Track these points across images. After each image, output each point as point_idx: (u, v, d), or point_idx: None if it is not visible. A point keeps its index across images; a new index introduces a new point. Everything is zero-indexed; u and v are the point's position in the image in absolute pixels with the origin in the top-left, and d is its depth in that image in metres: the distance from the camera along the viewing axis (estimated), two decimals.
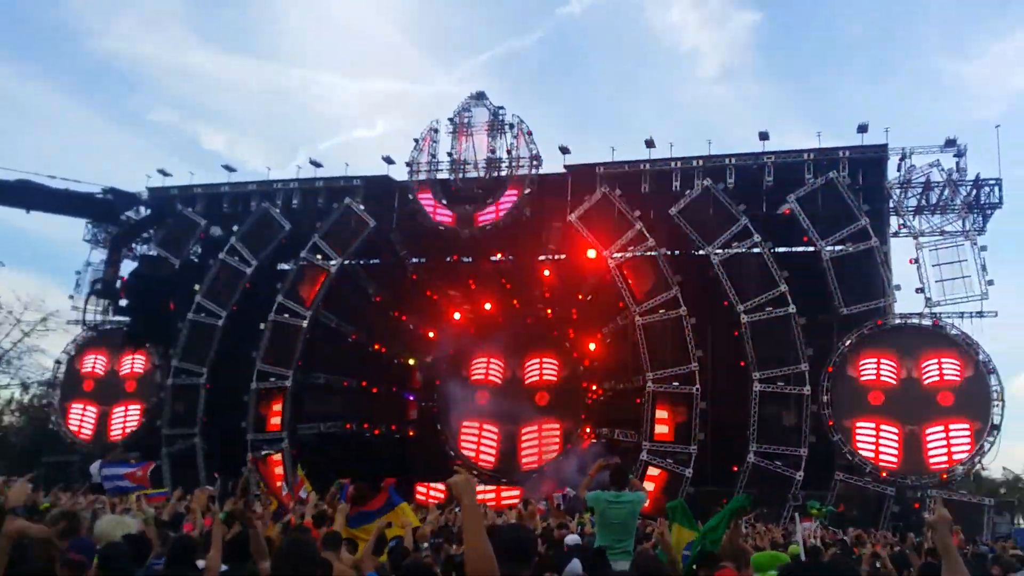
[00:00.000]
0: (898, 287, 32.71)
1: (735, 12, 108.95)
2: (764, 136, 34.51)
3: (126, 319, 37.62)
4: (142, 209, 36.84)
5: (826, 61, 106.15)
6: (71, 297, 41.54)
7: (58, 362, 40.68)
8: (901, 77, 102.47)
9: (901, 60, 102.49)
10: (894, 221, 33.92)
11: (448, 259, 38.18)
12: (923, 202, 33.59)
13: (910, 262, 32.75)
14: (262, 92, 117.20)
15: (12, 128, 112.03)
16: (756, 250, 33.08)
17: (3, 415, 51.49)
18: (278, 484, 26.97)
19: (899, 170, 33.81)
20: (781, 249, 34.28)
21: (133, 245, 39.71)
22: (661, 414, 32.74)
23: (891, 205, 33.73)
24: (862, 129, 33.69)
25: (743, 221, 33.09)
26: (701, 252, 33.89)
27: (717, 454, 32.47)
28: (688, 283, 33.77)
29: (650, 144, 35.82)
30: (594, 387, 35.35)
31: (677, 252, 35.19)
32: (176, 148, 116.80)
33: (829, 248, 32.46)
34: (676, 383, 32.77)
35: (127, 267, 35.39)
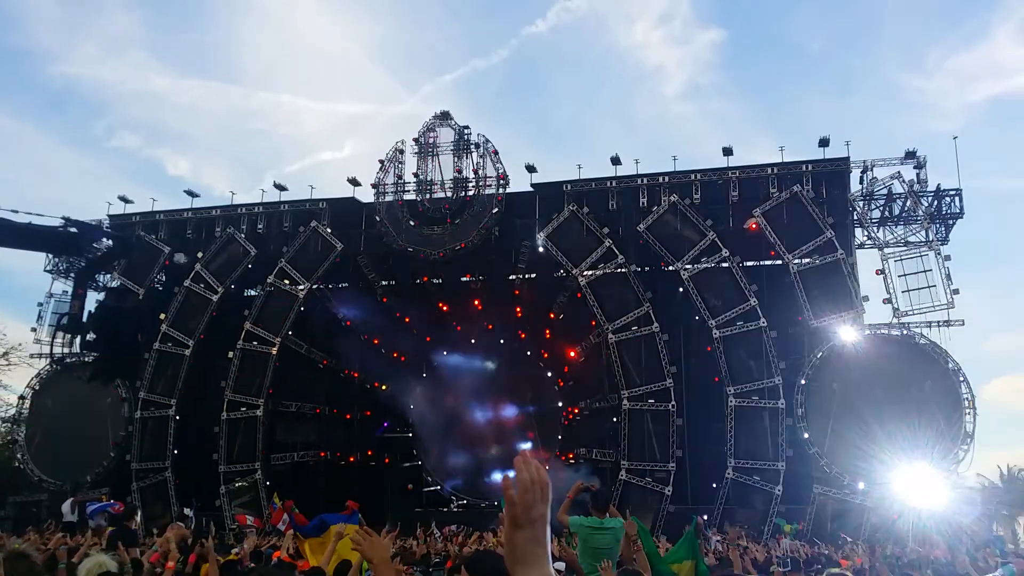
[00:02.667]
0: (866, 298, 33.19)
1: (699, 31, 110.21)
2: (728, 151, 34.88)
3: (92, 353, 36.97)
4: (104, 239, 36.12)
5: (789, 77, 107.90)
6: (33, 330, 40.58)
7: (22, 397, 39.70)
8: (862, 92, 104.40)
9: (862, 75, 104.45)
10: (859, 233, 34.43)
11: (418, 281, 37.97)
12: (886, 213, 34.14)
13: (876, 273, 33.24)
14: (227, 116, 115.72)
15: None
16: (725, 264, 33.38)
17: None
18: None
19: (861, 183, 34.34)
20: (749, 263, 34.61)
21: (97, 276, 38.89)
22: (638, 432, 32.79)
23: (855, 217, 34.21)
24: (823, 143, 34.17)
25: (711, 236, 33.38)
26: (671, 268, 34.10)
27: (696, 471, 32.64)
28: (659, 299, 33.97)
29: (616, 161, 35.96)
30: (570, 407, 35.36)
31: (647, 268, 35.36)
32: (140, 174, 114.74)
33: (796, 261, 32.86)
34: (652, 400, 32.89)
35: (91, 299, 34.63)
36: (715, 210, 34.56)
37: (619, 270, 34.33)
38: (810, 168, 34.35)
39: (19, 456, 39.40)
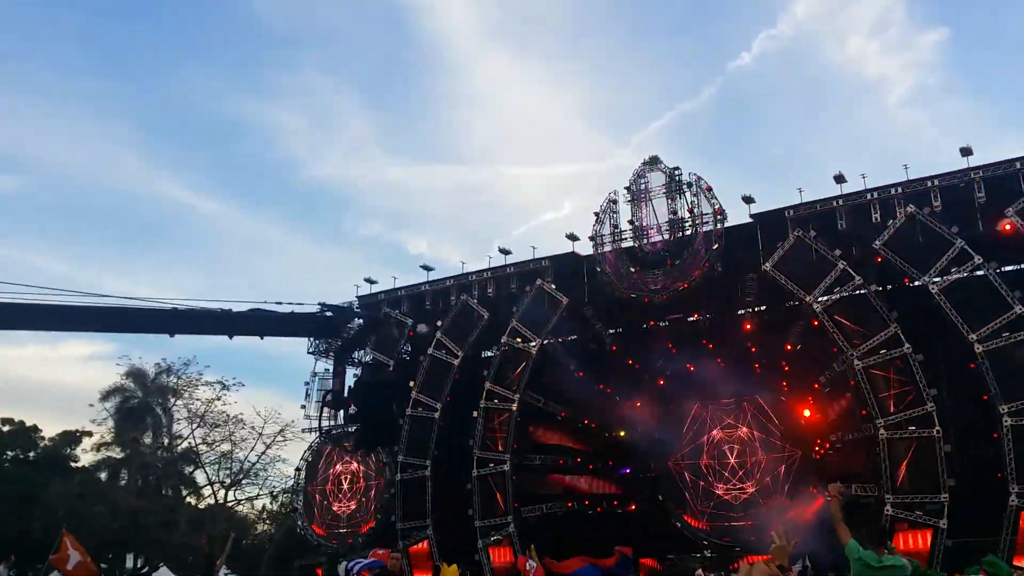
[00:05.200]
0: None
1: (918, 34, 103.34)
2: (967, 152, 32.12)
3: (354, 424, 40.38)
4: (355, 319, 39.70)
5: (1022, 66, 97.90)
6: (303, 407, 44.95)
7: (298, 469, 43.89)
8: None
9: None
10: None
11: (644, 326, 37.95)
12: None
13: None
14: (455, 194, 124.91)
15: (244, 261, 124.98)
16: (980, 272, 30.46)
17: (257, 524, 56.03)
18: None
19: None
20: (1008, 268, 31.36)
21: (353, 353, 42.63)
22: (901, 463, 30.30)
23: None
24: None
25: (959, 244, 30.66)
26: (917, 283, 31.66)
27: (973, 501, 29.53)
28: (907, 317, 31.54)
29: (840, 179, 34.28)
30: (819, 441, 33.44)
31: (889, 287, 33.07)
32: (384, 258, 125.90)
33: None
34: (912, 427, 30.36)
35: (350, 374, 38.25)
36: (960, 216, 31.79)
37: (858, 292, 32.36)
38: None
39: (299, 523, 43.41)
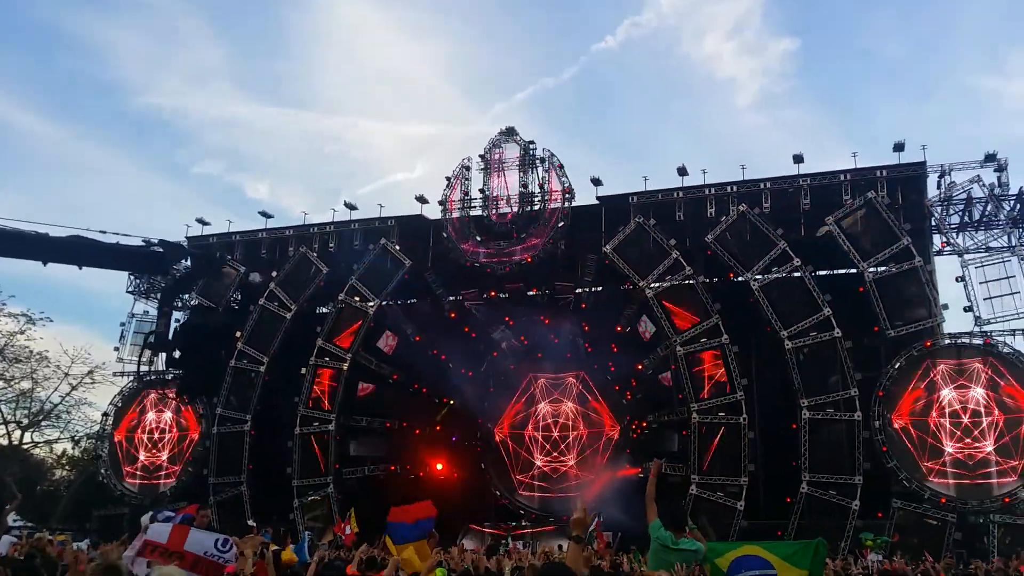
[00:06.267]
0: (945, 306, 32.04)
1: (772, 40, 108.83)
2: (799, 159, 34.21)
3: (171, 370, 38.25)
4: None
5: (863, 84, 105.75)
6: (116, 349, 42.23)
7: (106, 414, 41.25)
8: (939, 97, 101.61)
9: (938, 80, 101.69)
10: (937, 239, 33.25)
11: (485, 295, 38.13)
12: (966, 219, 32.92)
13: (956, 280, 32.03)
14: (303, 140, 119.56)
15: (63, 184, 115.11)
16: (796, 274, 32.60)
17: (55, 470, 52.28)
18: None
19: (939, 188, 33.28)
20: (822, 272, 33.74)
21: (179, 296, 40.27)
22: (708, 446, 32.13)
23: (933, 223, 33.09)
24: (898, 148, 33.22)
25: (781, 245, 32.67)
26: (740, 278, 33.49)
27: (769, 485, 31.82)
28: (728, 310, 33.33)
29: (683, 172, 35.65)
30: (637, 421, 34.90)
31: (716, 279, 34.81)
32: (221, 199, 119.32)
33: (872, 269, 31.90)
34: (722, 413, 32.24)
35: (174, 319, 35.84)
36: (786, 219, 33.87)
37: (687, 282, 33.86)
38: (885, 174, 33.45)
39: (102, 471, 40.85)
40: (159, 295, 39.54)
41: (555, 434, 36.05)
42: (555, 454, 35.87)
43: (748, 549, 8.99)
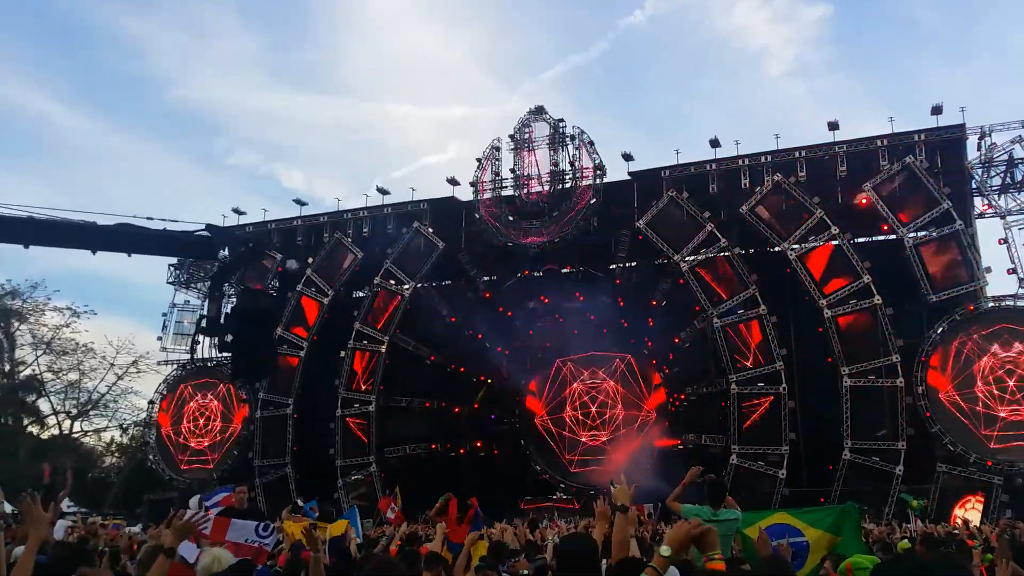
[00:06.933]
0: (988, 269, 31.47)
1: (803, 7, 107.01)
2: (834, 126, 33.74)
3: (212, 356, 39.01)
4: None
5: (899, 48, 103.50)
6: (159, 339, 43.04)
7: (151, 402, 42.10)
8: (978, 58, 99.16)
9: (977, 41, 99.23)
10: (978, 202, 32.70)
11: (519, 275, 38.22)
12: (1007, 180, 32.25)
13: (999, 242, 31.48)
14: (336, 128, 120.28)
15: (99, 178, 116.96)
16: (835, 242, 32.24)
17: (104, 457, 53.56)
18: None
19: (979, 150, 32.60)
20: (861, 239, 33.33)
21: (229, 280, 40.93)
22: (749, 416, 32.01)
23: (973, 186, 32.50)
24: (936, 111, 32.61)
25: (818, 213, 32.30)
26: (777, 248, 33.21)
27: (810, 454, 31.62)
28: (766, 281, 33.09)
29: (715, 144, 35.36)
30: (675, 393, 34.85)
31: (752, 251, 34.56)
32: (257, 188, 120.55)
33: (912, 235, 31.43)
34: (761, 384, 32.08)
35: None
36: (823, 187, 33.48)
37: (723, 254, 33.65)
38: (923, 137, 32.85)
39: (151, 457, 41.76)
40: (209, 281, 40.15)
41: (593, 410, 36.11)
42: (593, 431, 35.92)
43: (778, 517, 9.08)
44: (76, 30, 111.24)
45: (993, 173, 32.42)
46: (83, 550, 9.94)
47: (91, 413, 45.26)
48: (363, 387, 37.58)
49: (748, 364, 32.46)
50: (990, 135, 32.38)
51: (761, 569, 6.48)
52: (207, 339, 39.99)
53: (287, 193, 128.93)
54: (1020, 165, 32.02)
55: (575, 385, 36.88)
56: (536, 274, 38.15)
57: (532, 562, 9.29)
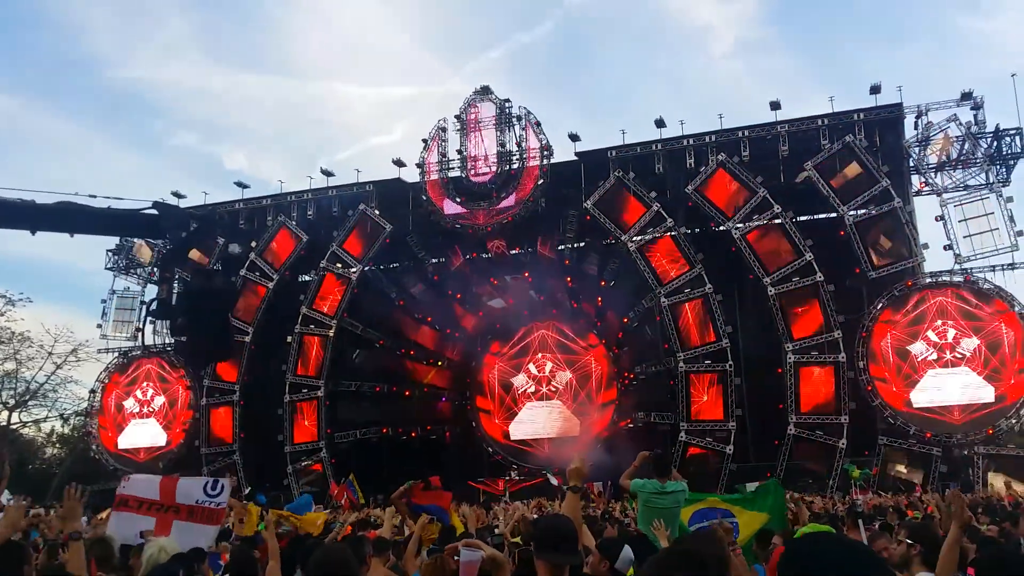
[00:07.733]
0: (926, 246, 32.28)
1: None
2: (776, 106, 34.15)
3: (155, 343, 38.15)
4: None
5: (839, 28, 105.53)
6: (99, 326, 41.89)
7: (93, 391, 41.05)
8: (915, 38, 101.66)
9: (915, 22, 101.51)
10: (915, 180, 33.46)
11: (467, 256, 38.06)
12: (943, 158, 33.04)
13: (936, 219, 32.28)
14: (280, 108, 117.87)
15: (37, 160, 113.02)
16: (777, 221, 32.73)
17: (46, 448, 52.14)
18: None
19: (916, 128, 33.32)
20: (803, 218, 33.90)
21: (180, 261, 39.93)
22: (696, 393, 32.47)
23: (911, 164, 33.24)
24: (875, 90, 33.24)
25: (761, 193, 32.75)
26: (722, 228, 33.59)
27: (756, 429, 32.24)
28: (711, 260, 33.50)
29: (660, 124, 35.49)
30: (625, 372, 35.19)
31: (697, 230, 34.92)
32: (198, 170, 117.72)
33: (852, 212, 32.06)
34: (708, 361, 32.55)
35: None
36: (765, 166, 33.91)
37: (669, 233, 33.93)
38: (862, 117, 33.45)
39: (93, 447, 40.78)
40: (159, 263, 39.09)
41: (543, 390, 36.28)
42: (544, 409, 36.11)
43: (708, 502, 9.35)
44: (10, 12, 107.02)
45: (930, 151, 33.15)
46: (21, 546, 9.60)
47: (30, 403, 43.90)
48: (311, 372, 37.12)
49: (695, 342, 32.86)
50: (926, 114, 33.12)
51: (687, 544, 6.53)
52: (149, 325, 39.49)
53: (230, 175, 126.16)
54: (955, 143, 32.79)
55: (525, 364, 36.99)
56: (484, 255, 38.06)
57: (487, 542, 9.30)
